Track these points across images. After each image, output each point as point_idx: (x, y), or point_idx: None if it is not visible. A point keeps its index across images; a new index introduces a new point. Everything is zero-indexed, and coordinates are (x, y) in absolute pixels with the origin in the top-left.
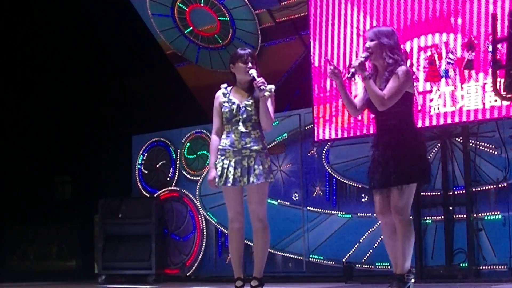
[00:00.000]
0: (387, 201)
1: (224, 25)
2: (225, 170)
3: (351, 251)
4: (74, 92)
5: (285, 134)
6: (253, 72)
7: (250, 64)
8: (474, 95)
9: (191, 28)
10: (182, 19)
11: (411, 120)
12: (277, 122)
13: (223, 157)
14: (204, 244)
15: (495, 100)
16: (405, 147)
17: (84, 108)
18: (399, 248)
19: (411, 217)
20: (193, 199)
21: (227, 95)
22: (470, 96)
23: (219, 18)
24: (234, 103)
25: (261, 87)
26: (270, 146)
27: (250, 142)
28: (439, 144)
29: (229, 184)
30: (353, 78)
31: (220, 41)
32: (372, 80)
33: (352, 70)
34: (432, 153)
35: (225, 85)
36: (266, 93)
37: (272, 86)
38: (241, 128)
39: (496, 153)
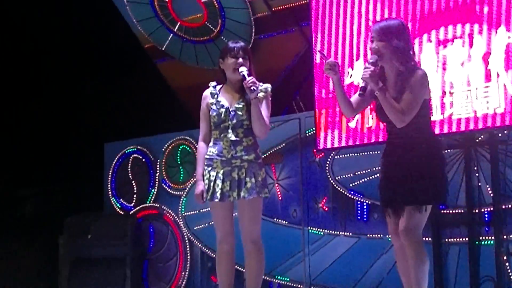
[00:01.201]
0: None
1: (212, 14)
2: (212, 183)
3: (360, 279)
4: (36, 93)
5: (283, 142)
6: (243, 70)
7: (240, 60)
8: (503, 95)
9: (174, 17)
10: (163, 7)
11: (428, 128)
12: (273, 127)
13: (210, 168)
14: (188, 270)
15: None
16: (421, 162)
17: (48, 112)
18: (411, 274)
19: (424, 238)
20: (176, 217)
21: (216, 96)
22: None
23: (206, 7)
24: (223, 106)
25: (252, 88)
26: (265, 155)
27: (241, 150)
28: (462, 154)
29: (216, 200)
30: (365, 92)
31: (208, 33)
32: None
33: (363, 83)
34: (454, 164)
35: (214, 83)
36: (261, 94)
37: (268, 86)
38: (231, 135)
39: None
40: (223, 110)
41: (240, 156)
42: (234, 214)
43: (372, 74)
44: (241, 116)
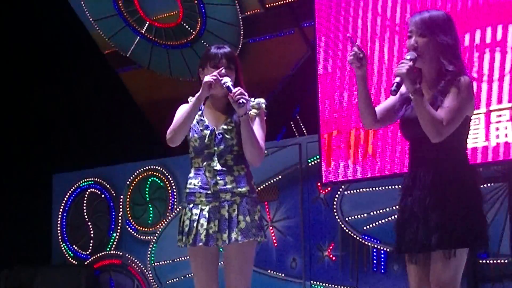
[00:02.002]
0: (427, 272)
1: (189, 11)
2: (195, 224)
3: None
4: None
5: (279, 173)
6: (227, 80)
7: (223, 70)
8: None
9: (142, 16)
10: (128, 2)
11: (465, 153)
12: (267, 155)
13: (191, 205)
14: None
15: None
16: (455, 194)
17: None
18: None
19: None
20: (143, 268)
21: (200, 112)
22: None
23: (182, 2)
24: (207, 127)
25: (240, 101)
26: (257, 190)
27: (231, 182)
28: (505, 189)
29: (200, 244)
30: (398, 91)
31: (184, 36)
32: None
33: (398, 80)
34: (495, 202)
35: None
36: (252, 112)
37: (261, 101)
38: (216, 164)
39: None
40: (207, 132)
41: (231, 188)
42: (219, 263)
43: (410, 69)
44: (230, 140)
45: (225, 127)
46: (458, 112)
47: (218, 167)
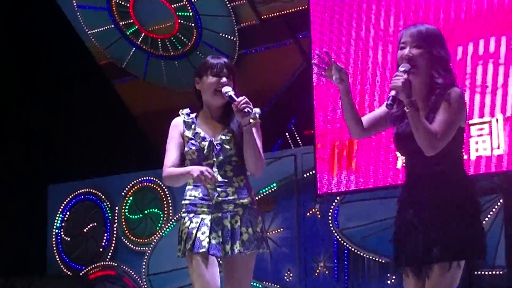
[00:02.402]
0: (421, 285)
1: (185, 22)
2: (195, 231)
3: None
4: None
5: (274, 185)
6: (229, 90)
7: (224, 79)
8: None
9: (137, 27)
10: (123, 13)
11: (461, 164)
12: None
13: (192, 215)
14: None
15: None
16: (453, 207)
17: None
18: None
19: None
20: (138, 279)
21: (193, 126)
22: None
23: (178, 13)
24: (204, 138)
25: (245, 110)
26: None
27: (233, 193)
28: (501, 200)
29: (202, 250)
30: (394, 105)
31: (180, 47)
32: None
33: (393, 93)
34: (491, 213)
35: (187, 110)
36: (252, 120)
37: (257, 110)
38: (217, 175)
39: None
40: (205, 144)
41: (233, 200)
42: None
43: (405, 82)
44: (229, 150)
45: (223, 137)
46: (450, 124)
47: (219, 178)
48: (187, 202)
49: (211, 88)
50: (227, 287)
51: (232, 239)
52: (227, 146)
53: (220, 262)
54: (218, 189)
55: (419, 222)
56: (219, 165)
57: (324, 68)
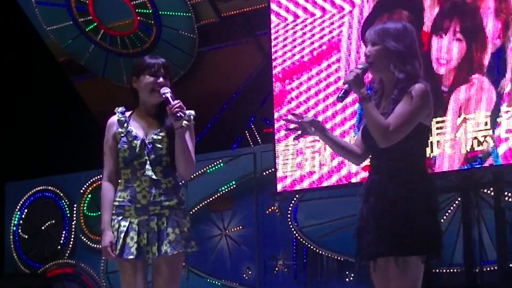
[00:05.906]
0: (386, 282)
1: (144, 20)
2: (123, 235)
3: None
4: None
5: (233, 183)
6: (167, 91)
7: (161, 79)
8: None
9: (96, 24)
10: (82, 10)
11: (422, 163)
12: (222, 164)
13: (120, 218)
14: None
15: None
16: (409, 201)
17: None
18: None
19: None
20: (96, 277)
21: (125, 124)
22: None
23: (137, 10)
24: (136, 137)
25: (178, 114)
26: (210, 199)
27: (160, 195)
28: (458, 199)
29: (131, 257)
30: (345, 98)
31: (139, 44)
32: (374, 101)
33: (345, 87)
34: (449, 211)
35: (122, 108)
36: (185, 122)
37: (191, 112)
38: (151, 173)
39: None
40: (137, 142)
41: (160, 201)
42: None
43: (357, 76)
44: (160, 150)
45: (155, 137)
46: (407, 118)
47: (152, 175)
48: (116, 203)
49: (148, 87)
50: (157, 286)
51: (159, 240)
52: (159, 146)
53: (150, 262)
54: (146, 190)
55: (374, 216)
56: (151, 163)
57: (296, 129)
